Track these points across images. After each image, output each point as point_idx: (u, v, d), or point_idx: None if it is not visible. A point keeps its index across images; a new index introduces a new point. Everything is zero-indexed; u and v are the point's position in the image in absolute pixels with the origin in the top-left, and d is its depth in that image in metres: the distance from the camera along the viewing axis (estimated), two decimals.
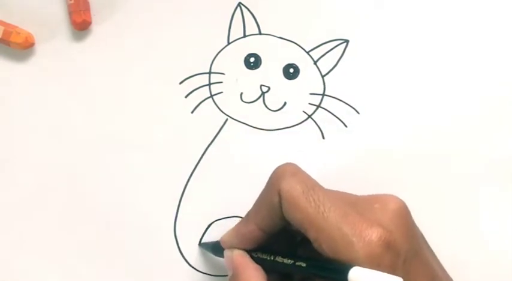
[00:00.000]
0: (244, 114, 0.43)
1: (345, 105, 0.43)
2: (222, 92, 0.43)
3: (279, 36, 0.44)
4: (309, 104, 0.43)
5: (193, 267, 0.42)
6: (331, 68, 0.43)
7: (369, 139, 0.43)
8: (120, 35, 0.43)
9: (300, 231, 0.33)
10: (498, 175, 0.43)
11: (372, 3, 0.44)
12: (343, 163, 0.43)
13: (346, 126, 0.43)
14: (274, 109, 0.43)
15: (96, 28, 0.43)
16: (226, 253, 0.38)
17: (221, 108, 0.43)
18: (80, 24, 0.42)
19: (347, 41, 0.44)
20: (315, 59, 0.43)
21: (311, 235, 0.32)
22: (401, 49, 0.44)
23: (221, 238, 0.38)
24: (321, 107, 0.43)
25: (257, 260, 0.36)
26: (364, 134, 0.43)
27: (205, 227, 0.42)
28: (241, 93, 0.43)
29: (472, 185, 0.43)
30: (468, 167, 0.44)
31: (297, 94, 0.43)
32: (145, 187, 0.42)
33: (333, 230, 0.31)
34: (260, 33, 0.44)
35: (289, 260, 0.34)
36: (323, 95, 0.43)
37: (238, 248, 0.37)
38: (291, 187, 0.33)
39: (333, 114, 0.43)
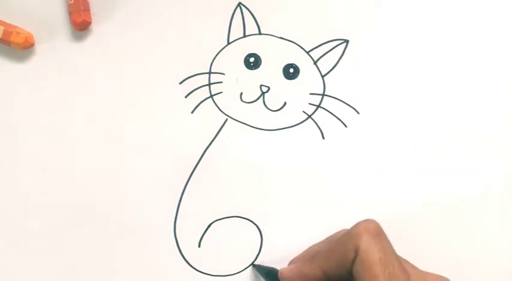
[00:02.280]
0: (244, 114, 0.43)
1: (345, 105, 0.43)
2: (222, 92, 0.43)
3: (279, 36, 0.44)
4: (309, 104, 0.43)
5: (193, 267, 0.42)
6: (331, 68, 0.43)
7: (369, 139, 0.43)
8: (120, 35, 0.43)
9: None
10: (498, 174, 0.44)
11: (372, 3, 0.44)
12: (343, 163, 0.43)
13: (346, 126, 0.43)
14: (274, 109, 0.43)
15: (96, 28, 0.43)
16: None
17: (221, 108, 0.43)
18: (80, 24, 0.42)
19: (347, 41, 0.44)
20: (315, 59, 0.44)
21: None
22: (402, 49, 0.44)
23: (281, 271, 0.38)
24: (321, 107, 0.43)
25: None
26: (364, 134, 0.43)
27: (205, 227, 0.42)
28: (241, 93, 0.43)
29: (472, 183, 0.43)
30: (467, 167, 0.44)
31: (297, 94, 0.43)
32: (145, 187, 0.42)
33: None
34: (260, 33, 0.44)
35: None
36: (323, 95, 0.43)
37: None
38: (369, 250, 0.33)
39: (333, 114, 0.43)
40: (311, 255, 0.38)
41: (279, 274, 0.39)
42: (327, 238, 0.40)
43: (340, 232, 0.40)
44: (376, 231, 0.35)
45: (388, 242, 0.35)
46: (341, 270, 0.35)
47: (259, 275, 0.42)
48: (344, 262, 0.34)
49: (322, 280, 0.36)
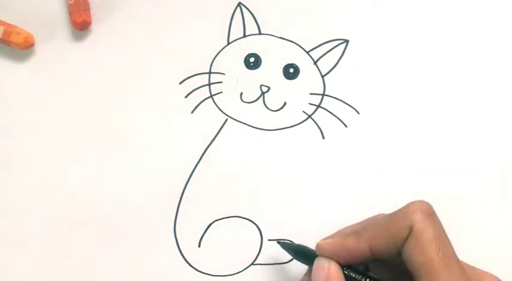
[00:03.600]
0: (244, 114, 0.43)
1: (345, 105, 0.43)
2: (222, 92, 0.43)
3: (279, 36, 0.44)
4: (309, 104, 0.43)
5: (193, 267, 0.42)
6: (331, 68, 0.44)
7: (369, 139, 0.43)
8: (120, 35, 0.43)
9: (411, 271, 0.33)
10: (498, 174, 0.44)
11: (372, 3, 0.44)
12: (343, 163, 0.43)
13: (346, 126, 0.43)
14: (274, 109, 0.43)
15: (96, 28, 0.43)
16: (322, 262, 0.36)
17: (221, 108, 0.43)
18: (80, 24, 0.42)
19: (347, 41, 0.44)
20: (315, 59, 0.44)
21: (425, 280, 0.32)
22: (401, 49, 0.44)
23: (319, 244, 0.36)
24: (321, 107, 0.43)
25: (346, 277, 0.35)
26: (364, 134, 0.43)
27: (205, 227, 0.42)
28: (241, 93, 0.43)
29: (472, 183, 0.43)
30: (467, 167, 0.44)
31: (297, 94, 0.43)
32: (146, 187, 0.42)
33: None
34: (260, 33, 0.44)
35: None
36: (323, 95, 0.43)
37: (334, 260, 0.36)
38: (425, 229, 0.33)
39: (333, 114, 0.43)
40: (351, 232, 0.36)
41: (316, 247, 0.36)
42: (363, 220, 0.38)
43: (376, 216, 0.38)
44: (429, 211, 0.34)
45: (441, 223, 0.34)
46: (390, 248, 0.34)
47: (288, 253, 0.40)
48: (395, 239, 0.33)
49: (368, 256, 0.35)
